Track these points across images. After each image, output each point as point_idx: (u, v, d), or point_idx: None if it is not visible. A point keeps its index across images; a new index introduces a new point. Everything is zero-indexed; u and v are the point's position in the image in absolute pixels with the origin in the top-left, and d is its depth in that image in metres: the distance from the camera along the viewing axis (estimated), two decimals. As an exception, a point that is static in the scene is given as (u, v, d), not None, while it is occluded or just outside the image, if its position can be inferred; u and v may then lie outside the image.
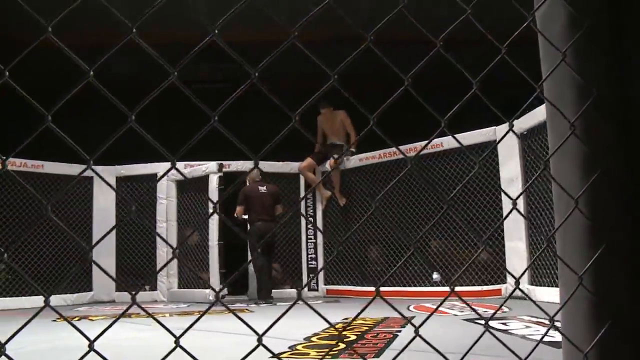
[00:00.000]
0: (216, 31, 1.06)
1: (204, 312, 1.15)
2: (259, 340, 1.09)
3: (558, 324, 1.42)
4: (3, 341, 1.03)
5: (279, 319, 1.15)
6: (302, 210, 8.78)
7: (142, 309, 1.07)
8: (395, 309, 1.28)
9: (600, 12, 1.41)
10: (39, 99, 0.96)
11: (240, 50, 1.13)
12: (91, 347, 1.02)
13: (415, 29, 1.28)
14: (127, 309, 1.11)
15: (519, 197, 1.55)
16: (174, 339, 1.05)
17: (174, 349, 1.05)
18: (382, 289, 5.61)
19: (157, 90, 1.03)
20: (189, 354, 1.06)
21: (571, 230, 1.39)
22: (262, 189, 7.94)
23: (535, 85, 1.39)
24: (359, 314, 1.30)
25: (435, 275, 7.43)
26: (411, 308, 5.23)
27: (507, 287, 6.55)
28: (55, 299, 7.86)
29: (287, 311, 1.16)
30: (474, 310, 1.48)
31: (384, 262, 8.00)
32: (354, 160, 8.37)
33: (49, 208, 0.99)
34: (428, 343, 1.22)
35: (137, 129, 1.02)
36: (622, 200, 1.35)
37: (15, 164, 7.95)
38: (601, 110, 1.37)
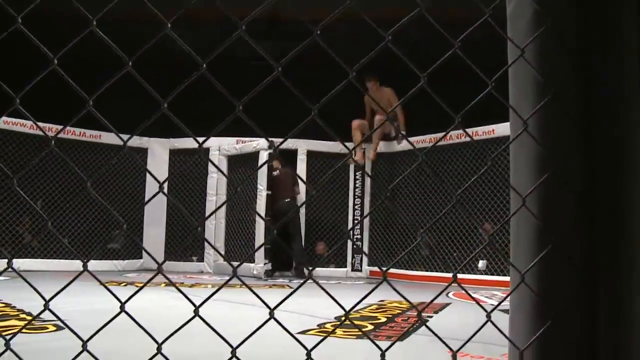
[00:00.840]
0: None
1: (224, 284, 1.19)
2: (271, 314, 1.13)
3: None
4: (48, 298, 1.09)
5: (289, 295, 1.17)
6: (350, 191, 8.81)
7: (167, 278, 1.12)
8: (397, 292, 1.30)
9: (566, 9, 1.38)
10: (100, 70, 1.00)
11: (305, 28, 1.15)
12: (122, 309, 1.08)
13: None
14: (154, 276, 1.16)
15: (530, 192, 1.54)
16: (194, 307, 1.09)
17: (192, 318, 1.10)
18: (425, 274, 5.68)
19: (187, 81, 1.07)
20: (205, 322, 1.10)
21: (523, 228, 1.38)
22: (275, 172, 8.29)
23: (488, 81, 1.37)
24: (364, 297, 1.32)
25: (481, 264, 7.36)
26: (450, 295, 5.21)
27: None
28: (106, 264, 8.14)
29: (296, 289, 1.19)
30: (474, 300, 1.48)
31: (431, 246, 7.97)
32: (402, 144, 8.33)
33: (87, 185, 1.04)
34: (430, 329, 1.23)
35: (166, 112, 1.06)
36: (576, 202, 1.32)
37: (75, 133, 8.23)
38: (559, 110, 1.34)
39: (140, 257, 8.81)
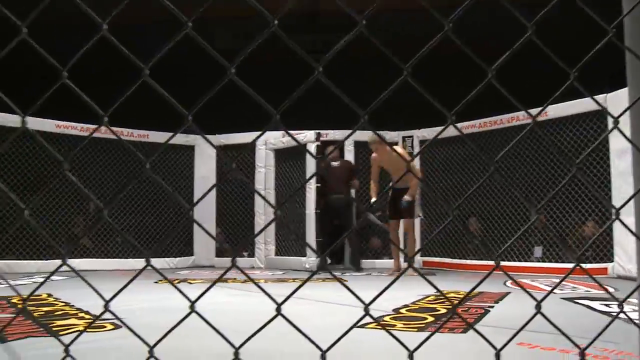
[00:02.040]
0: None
1: (306, 280, 1.14)
2: (366, 310, 1.06)
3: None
4: (108, 298, 1.05)
5: (385, 289, 1.11)
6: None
7: (245, 274, 1.06)
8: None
9: None
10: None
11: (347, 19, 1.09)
12: (192, 308, 1.03)
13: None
14: (226, 272, 1.12)
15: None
16: (276, 305, 1.04)
17: (275, 317, 1.04)
18: (480, 262, 5.53)
19: (218, 85, 1.01)
20: (289, 321, 1.05)
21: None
22: (335, 163, 8.06)
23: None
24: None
25: (537, 251, 7.17)
26: (507, 284, 5.07)
27: (615, 266, 6.22)
28: (159, 262, 8.23)
29: (393, 282, 1.12)
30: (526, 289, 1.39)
31: (483, 234, 7.80)
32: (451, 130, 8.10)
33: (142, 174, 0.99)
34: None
35: (175, 107, 1.01)
36: None
37: (123, 133, 8.35)
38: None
39: (192, 254, 8.89)
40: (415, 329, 3.15)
